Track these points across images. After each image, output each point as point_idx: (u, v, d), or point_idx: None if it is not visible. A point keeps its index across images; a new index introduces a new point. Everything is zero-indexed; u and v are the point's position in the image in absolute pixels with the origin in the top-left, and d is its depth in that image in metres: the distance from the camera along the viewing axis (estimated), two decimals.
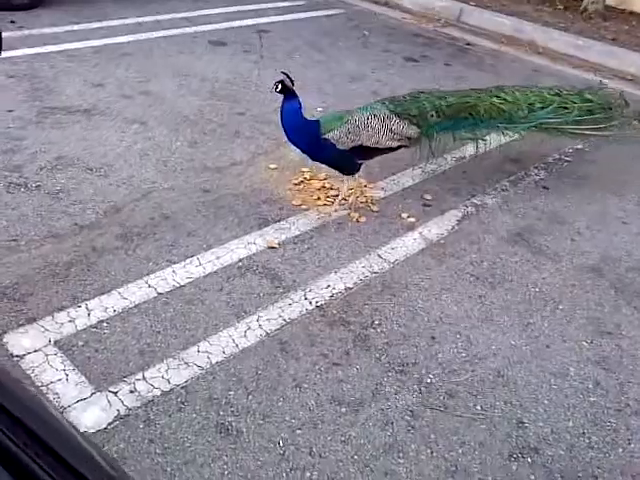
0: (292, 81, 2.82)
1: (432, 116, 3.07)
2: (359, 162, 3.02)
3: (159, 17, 5.54)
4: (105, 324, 2.28)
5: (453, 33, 6.36)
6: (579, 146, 4.17)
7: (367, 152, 2.98)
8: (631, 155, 4.15)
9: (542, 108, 3.31)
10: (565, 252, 3.06)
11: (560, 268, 2.93)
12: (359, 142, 2.90)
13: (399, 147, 3.07)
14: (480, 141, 3.37)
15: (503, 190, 3.53)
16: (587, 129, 3.40)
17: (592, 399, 2.26)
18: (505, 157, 3.90)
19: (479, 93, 3.27)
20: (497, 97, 3.24)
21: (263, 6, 6.27)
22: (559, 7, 7.08)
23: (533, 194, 3.53)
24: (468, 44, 6.09)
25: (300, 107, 2.84)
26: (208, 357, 2.21)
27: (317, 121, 2.92)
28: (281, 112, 2.85)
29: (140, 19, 5.43)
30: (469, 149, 3.91)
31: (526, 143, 4.10)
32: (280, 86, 2.80)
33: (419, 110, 3.04)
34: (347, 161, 2.98)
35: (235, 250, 2.76)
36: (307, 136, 2.88)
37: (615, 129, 3.43)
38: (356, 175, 3.11)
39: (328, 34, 5.77)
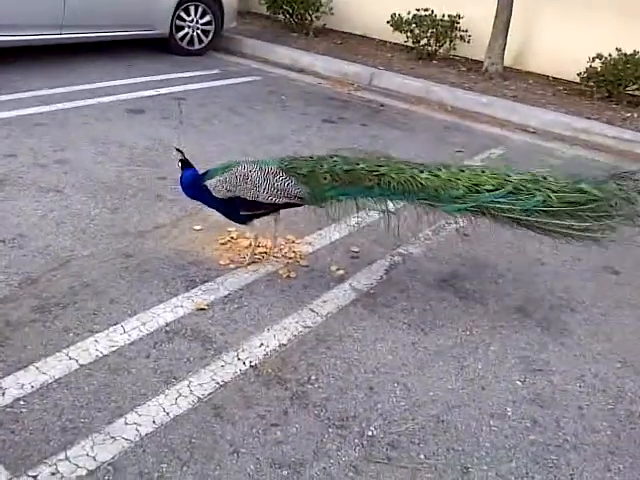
0: (182, 153, 3.00)
1: (325, 178, 2.85)
2: (246, 214, 2.97)
3: (73, 88, 5.46)
4: (22, 402, 2.11)
5: (366, 96, 6.62)
6: None
7: (250, 205, 2.91)
8: None
9: (491, 190, 2.77)
10: (490, 295, 3.13)
11: (487, 310, 2.99)
12: (235, 193, 2.87)
13: (289, 205, 2.96)
14: (390, 214, 2.98)
15: (426, 239, 3.61)
16: (566, 226, 2.75)
17: (531, 437, 2.27)
18: None
19: (406, 165, 2.91)
20: (429, 172, 2.85)
21: (178, 75, 6.33)
22: (462, 69, 7.54)
23: (455, 241, 3.62)
24: (381, 105, 6.35)
25: (195, 171, 3.00)
26: (137, 429, 2.08)
27: (207, 171, 3.00)
28: (180, 179, 3.03)
29: (53, 90, 5.34)
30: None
31: None
32: (181, 164, 3.00)
33: (310, 170, 2.86)
34: (226, 210, 3.00)
35: (161, 314, 2.66)
36: (194, 185, 2.98)
37: (612, 230, 2.76)
38: (275, 230, 3.12)
39: (246, 100, 5.87)
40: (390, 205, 2.95)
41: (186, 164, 2.99)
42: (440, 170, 2.87)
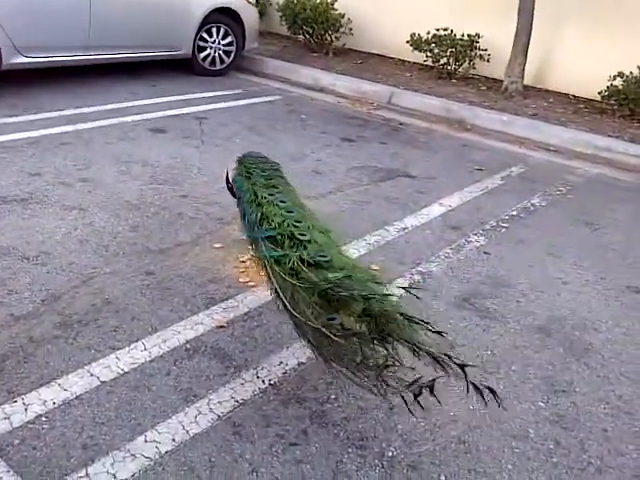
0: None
1: (240, 174, 3.00)
2: (227, 187, 3.22)
3: (96, 108, 5.57)
4: (44, 418, 2.13)
5: (386, 115, 6.65)
6: (514, 212, 4.34)
7: (227, 179, 3.18)
8: (564, 218, 4.35)
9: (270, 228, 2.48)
10: (512, 314, 3.10)
11: (509, 330, 2.96)
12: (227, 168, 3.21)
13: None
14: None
15: (446, 257, 3.59)
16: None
17: (554, 460, 2.23)
18: (445, 225, 4.01)
19: (283, 195, 2.75)
20: (279, 203, 2.65)
21: (200, 95, 6.42)
22: (482, 88, 7.55)
23: (475, 260, 3.60)
24: (401, 124, 6.37)
25: None
26: (157, 447, 2.08)
27: None
28: None
29: (77, 110, 5.45)
30: (410, 220, 4.02)
31: (464, 211, 4.26)
32: None
33: (239, 162, 3.11)
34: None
35: (182, 332, 2.67)
36: None
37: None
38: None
39: (266, 119, 5.92)
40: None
41: None
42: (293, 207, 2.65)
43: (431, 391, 1.87)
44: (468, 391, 1.87)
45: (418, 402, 1.90)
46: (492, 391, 1.89)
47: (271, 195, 2.72)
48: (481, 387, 1.88)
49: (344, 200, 4.25)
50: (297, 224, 2.49)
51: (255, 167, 3.01)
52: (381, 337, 1.98)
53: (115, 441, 2.08)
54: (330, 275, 2.18)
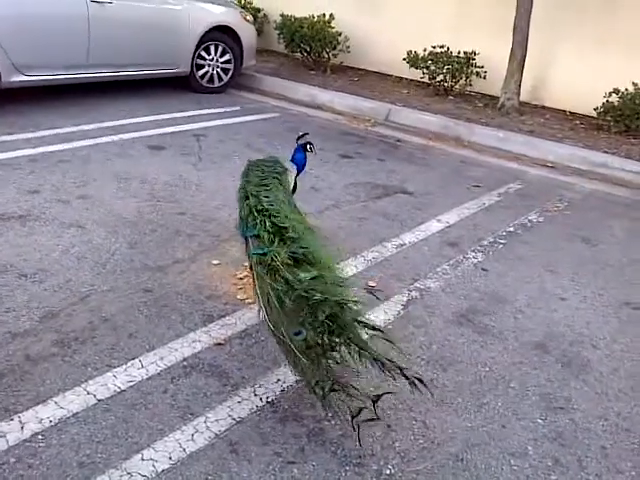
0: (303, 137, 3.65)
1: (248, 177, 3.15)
2: None
3: (94, 125, 5.60)
4: (40, 437, 2.11)
5: (383, 131, 6.69)
6: (511, 229, 4.36)
7: None
8: (561, 234, 4.37)
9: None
10: (510, 330, 3.10)
11: (507, 346, 2.96)
12: None
13: None
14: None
15: (444, 274, 3.60)
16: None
17: (553, 477, 2.22)
18: (443, 242, 4.02)
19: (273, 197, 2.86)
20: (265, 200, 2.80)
21: (198, 112, 6.46)
22: (479, 105, 7.61)
23: (473, 276, 3.61)
24: (398, 141, 6.41)
25: (299, 156, 3.59)
26: (153, 465, 2.07)
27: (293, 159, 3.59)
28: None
29: (76, 128, 5.47)
30: (408, 236, 4.03)
31: (462, 227, 4.27)
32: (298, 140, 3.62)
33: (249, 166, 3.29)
34: None
35: (179, 349, 2.67)
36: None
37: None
38: None
39: (264, 136, 5.96)
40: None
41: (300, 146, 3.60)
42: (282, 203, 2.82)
43: (373, 405, 2.14)
44: (412, 390, 2.10)
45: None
46: (422, 382, 2.09)
47: (258, 192, 2.89)
48: (412, 379, 2.08)
49: (342, 217, 4.26)
50: (277, 214, 2.65)
51: (257, 168, 3.20)
52: (331, 345, 2.13)
53: (112, 459, 2.07)
54: (302, 274, 2.27)
